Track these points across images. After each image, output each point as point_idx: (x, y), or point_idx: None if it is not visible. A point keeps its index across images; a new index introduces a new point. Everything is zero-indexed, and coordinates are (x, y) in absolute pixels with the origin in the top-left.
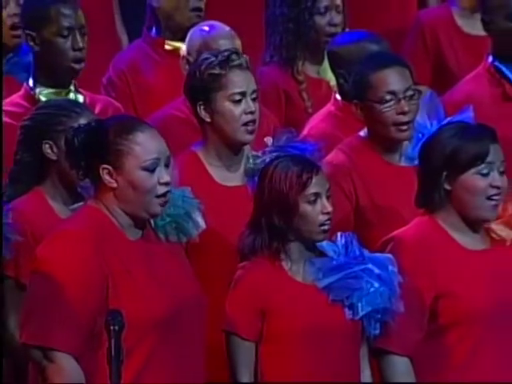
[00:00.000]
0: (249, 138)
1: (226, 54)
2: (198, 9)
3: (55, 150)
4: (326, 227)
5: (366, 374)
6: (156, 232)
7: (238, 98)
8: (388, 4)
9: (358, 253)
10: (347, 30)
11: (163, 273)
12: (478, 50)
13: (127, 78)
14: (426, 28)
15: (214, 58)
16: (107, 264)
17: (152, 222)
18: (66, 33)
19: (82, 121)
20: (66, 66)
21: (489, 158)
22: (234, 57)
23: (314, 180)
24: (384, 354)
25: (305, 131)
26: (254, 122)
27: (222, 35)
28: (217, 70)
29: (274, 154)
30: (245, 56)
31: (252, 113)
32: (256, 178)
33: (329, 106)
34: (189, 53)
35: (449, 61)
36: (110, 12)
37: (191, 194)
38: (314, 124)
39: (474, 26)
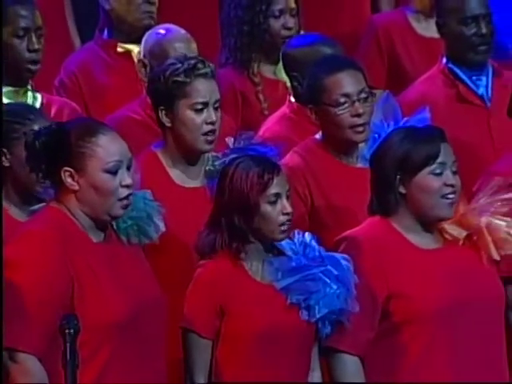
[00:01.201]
0: (208, 147)
1: (192, 61)
2: (150, 11)
3: (8, 156)
4: (285, 227)
5: (316, 375)
6: (118, 234)
7: (200, 107)
8: (342, 8)
9: (316, 253)
10: (302, 32)
11: (126, 275)
12: (433, 51)
13: (78, 80)
14: (380, 31)
15: (179, 65)
16: (72, 265)
17: (114, 224)
18: (21, 33)
19: (36, 127)
20: (22, 66)
21: (440, 158)
22: (200, 65)
23: (274, 180)
24: (334, 352)
25: (259, 133)
26: (214, 131)
27: (178, 38)
28: (181, 78)
29: (234, 155)
30: (211, 65)
31: (213, 123)
32: (216, 180)
33: (283, 109)
34: (144, 56)
35: (403, 63)
36: (62, 13)
37: (152, 197)
38: (269, 126)
39: (428, 29)
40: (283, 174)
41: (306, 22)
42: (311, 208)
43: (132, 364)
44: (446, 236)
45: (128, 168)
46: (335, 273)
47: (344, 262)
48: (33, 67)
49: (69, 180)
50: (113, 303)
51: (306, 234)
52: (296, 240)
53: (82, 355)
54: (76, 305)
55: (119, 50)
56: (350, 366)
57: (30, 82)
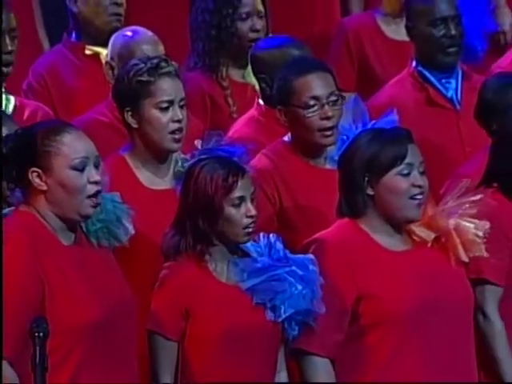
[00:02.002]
0: (176, 146)
1: (155, 61)
2: (118, 13)
3: None
4: (250, 230)
5: (283, 376)
6: (88, 237)
7: (165, 105)
8: (311, 10)
9: (281, 254)
10: (270, 35)
11: (96, 277)
12: (403, 54)
13: (47, 83)
14: (350, 34)
15: (143, 65)
16: (43, 268)
17: (84, 226)
18: None
19: (4, 131)
20: None
21: (408, 158)
22: (163, 64)
23: (239, 183)
24: (304, 354)
25: (228, 135)
26: (181, 130)
27: (145, 40)
28: (145, 77)
29: (203, 157)
30: (174, 63)
31: (179, 121)
32: None
33: (252, 111)
34: (112, 58)
35: (373, 66)
36: (31, 16)
37: (120, 199)
38: (237, 129)
39: (397, 32)
40: (248, 177)
41: (274, 25)
42: (280, 210)
43: (104, 366)
44: (415, 238)
45: (96, 166)
46: (300, 273)
47: (309, 263)
48: (5, 69)
49: (37, 180)
50: (84, 305)
51: (271, 235)
52: (261, 242)
53: (55, 358)
54: (47, 308)
55: (87, 52)
56: (321, 367)
57: (3, 84)
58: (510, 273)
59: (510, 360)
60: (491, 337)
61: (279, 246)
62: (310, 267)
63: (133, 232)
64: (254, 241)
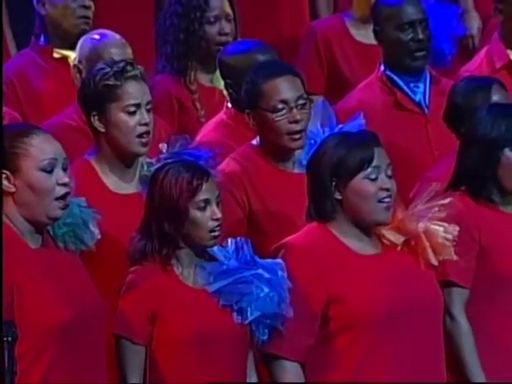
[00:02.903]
0: (143, 150)
1: (121, 64)
2: (86, 16)
3: None
4: (216, 233)
5: (253, 380)
6: (55, 241)
7: (132, 109)
8: (280, 13)
9: (248, 257)
10: (239, 38)
11: (64, 280)
12: (372, 58)
13: (15, 87)
14: (319, 37)
15: (109, 69)
16: (11, 272)
17: (51, 230)
18: None
19: None
20: None
21: (375, 162)
22: (129, 68)
23: (204, 186)
24: (275, 359)
25: (196, 139)
26: (148, 133)
27: (113, 44)
28: (112, 81)
29: (169, 160)
30: (140, 67)
31: (146, 124)
32: None
33: (221, 115)
34: (79, 61)
35: (342, 69)
36: None
37: (86, 204)
38: (205, 133)
39: (367, 35)
40: (213, 180)
41: (243, 28)
42: (249, 213)
43: (74, 368)
44: (385, 241)
45: (64, 169)
46: (267, 276)
47: (277, 268)
48: None
49: (5, 183)
50: (53, 307)
51: (239, 239)
52: (229, 247)
53: (25, 361)
54: (16, 311)
55: (55, 55)
56: (291, 371)
57: None
58: (476, 275)
59: (477, 361)
60: (458, 338)
61: (247, 249)
62: (278, 271)
63: (99, 236)
64: (222, 246)
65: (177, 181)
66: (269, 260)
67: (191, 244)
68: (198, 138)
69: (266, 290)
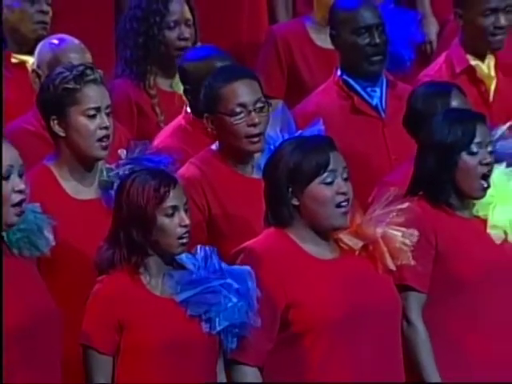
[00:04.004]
0: (103, 153)
1: (80, 68)
2: (43, 21)
3: None
4: (184, 240)
5: None
6: (9, 247)
7: (92, 113)
8: (239, 18)
9: (217, 267)
10: (199, 43)
11: (18, 286)
12: (332, 63)
13: None
14: (279, 41)
15: (68, 73)
16: None
17: (5, 236)
18: None
19: None
20: None
21: (330, 166)
22: (88, 71)
23: (171, 193)
24: (234, 364)
25: (154, 143)
26: (108, 137)
27: (72, 48)
28: (71, 85)
29: (128, 166)
30: (99, 71)
31: (106, 128)
32: (110, 191)
33: (179, 119)
34: (38, 66)
35: (302, 74)
36: None
37: (41, 210)
38: (163, 138)
39: (327, 40)
40: (180, 187)
41: (203, 33)
42: (209, 218)
43: (27, 374)
44: (343, 246)
45: (20, 175)
46: (236, 286)
47: (246, 276)
48: None
49: None
50: (7, 313)
51: (208, 248)
52: (198, 255)
53: None
54: None
55: (14, 60)
56: (250, 376)
57: None
58: (433, 279)
59: (434, 365)
60: (415, 342)
61: (215, 258)
62: (248, 280)
63: (54, 243)
64: (191, 253)
65: (144, 188)
66: (238, 268)
67: (160, 251)
68: (156, 142)
69: (235, 300)
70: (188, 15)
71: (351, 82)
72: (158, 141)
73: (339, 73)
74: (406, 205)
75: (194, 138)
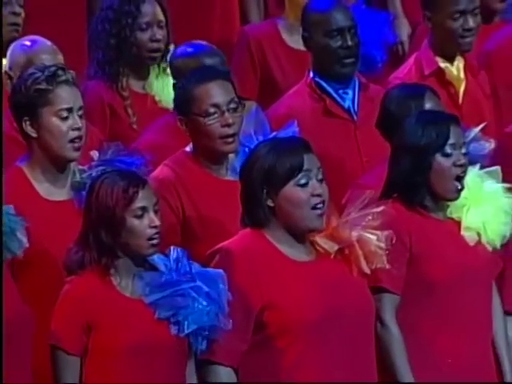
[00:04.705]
0: (75, 154)
1: (52, 69)
2: (15, 23)
3: None
4: (154, 241)
5: None
6: None
7: (64, 113)
8: (211, 19)
9: (188, 269)
10: (172, 44)
11: None
12: (305, 64)
13: None
14: (252, 42)
15: (40, 74)
16: None
17: None
18: None
19: None
20: None
21: (305, 168)
22: (60, 72)
23: (140, 194)
24: (208, 364)
25: (140, 140)
26: (80, 138)
27: (44, 50)
28: (43, 86)
29: (101, 167)
30: (71, 72)
31: (79, 129)
32: (83, 192)
33: (167, 116)
34: (10, 68)
35: (275, 75)
36: None
37: (14, 211)
38: (149, 134)
39: (299, 41)
40: (149, 188)
41: (175, 34)
42: (183, 220)
43: None
44: (318, 248)
45: None
46: (205, 289)
47: (218, 279)
48: None
49: None
50: None
51: (179, 249)
52: (170, 256)
53: None
54: None
55: None
56: (224, 376)
57: None
58: (407, 281)
59: (407, 366)
60: (388, 344)
61: (186, 260)
62: (219, 283)
63: (27, 245)
64: (164, 254)
65: (112, 189)
66: (210, 270)
67: (130, 253)
68: (142, 138)
69: (204, 303)
70: (160, 17)
71: (323, 84)
72: (143, 137)
73: (311, 75)
74: (381, 208)
75: (179, 135)
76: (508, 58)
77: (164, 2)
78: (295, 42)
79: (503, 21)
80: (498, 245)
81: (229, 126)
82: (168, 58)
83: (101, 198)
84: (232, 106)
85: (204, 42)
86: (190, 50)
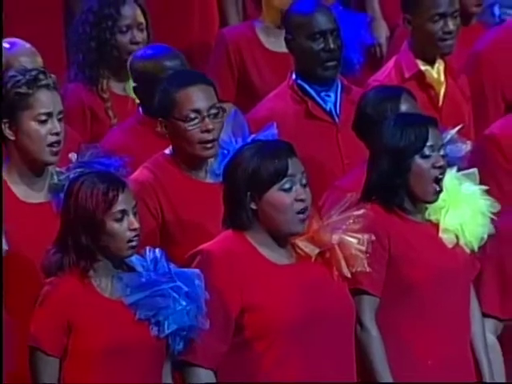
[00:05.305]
0: (53, 159)
1: (33, 73)
2: None
3: None
4: (133, 243)
5: None
6: None
7: (44, 118)
8: (190, 21)
9: (166, 269)
10: None
11: None
12: (282, 66)
13: None
14: (229, 45)
15: (21, 77)
16: None
17: None
18: None
19: None
20: None
21: (289, 172)
22: (41, 76)
23: (120, 197)
24: (188, 366)
25: (103, 142)
26: (59, 142)
27: (23, 52)
28: (23, 89)
29: (79, 169)
30: (52, 76)
31: (58, 134)
32: (61, 195)
33: (131, 119)
34: None
35: (253, 78)
36: None
37: None
38: (113, 135)
39: (277, 43)
40: (129, 190)
41: (155, 36)
42: (162, 223)
43: None
44: (299, 252)
45: None
46: (185, 289)
47: (195, 279)
48: None
49: None
50: None
51: (157, 250)
52: (147, 257)
53: None
54: None
55: None
56: (204, 378)
57: None
58: (386, 283)
59: (386, 368)
60: (367, 345)
61: (164, 261)
62: (196, 282)
63: (7, 247)
64: (141, 255)
65: (92, 192)
66: (187, 270)
67: (109, 255)
68: (105, 141)
69: (184, 303)
70: (140, 19)
71: (306, 86)
72: (108, 140)
73: (294, 77)
74: (362, 211)
75: (143, 137)
76: (496, 59)
77: (144, 4)
78: (273, 44)
79: (480, 23)
80: (475, 247)
81: (208, 131)
82: (128, 61)
83: (80, 200)
84: (213, 111)
85: (164, 45)
86: (149, 52)
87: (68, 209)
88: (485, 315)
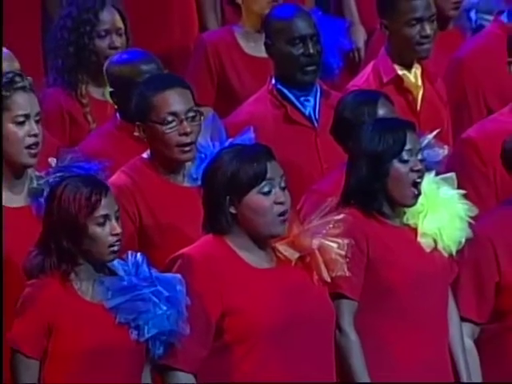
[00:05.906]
0: (32, 161)
1: (9, 75)
2: None
3: None
4: (115, 248)
5: None
6: None
7: (21, 119)
8: (170, 26)
9: (147, 273)
10: None
11: None
12: (262, 71)
13: None
14: (209, 49)
15: None
16: None
17: None
18: None
19: None
20: None
21: (268, 176)
22: (17, 79)
23: (102, 202)
24: (169, 370)
25: (80, 147)
26: (37, 144)
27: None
28: None
29: (59, 174)
30: (28, 78)
31: (36, 135)
32: (40, 199)
33: (108, 124)
34: None
35: (232, 82)
36: None
37: None
38: (90, 141)
39: (257, 48)
40: (111, 195)
41: (134, 41)
42: (140, 227)
43: None
44: (279, 256)
45: None
46: (166, 294)
47: (177, 284)
48: None
49: None
50: None
51: (139, 254)
52: (129, 261)
53: None
54: None
55: None
56: (185, 382)
57: None
58: (365, 287)
59: (365, 371)
60: (346, 350)
61: (145, 264)
62: (178, 287)
63: None
64: (122, 259)
65: (75, 197)
66: (168, 275)
67: (91, 259)
68: (83, 145)
69: (164, 307)
70: (119, 24)
71: (285, 91)
72: (86, 145)
73: (273, 82)
74: (341, 216)
75: (120, 142)
76: (478, 66)
77: (123, 9)
78: (252, 48)
79: (457, 28)
80: (453, 250)
81: (186, 134)
82: (104, 66)
83: (63, 203)
84: (190, 114)
85: (140, 49)
86: (125, 56)
87: (51, 212)
88: (462, 319)
